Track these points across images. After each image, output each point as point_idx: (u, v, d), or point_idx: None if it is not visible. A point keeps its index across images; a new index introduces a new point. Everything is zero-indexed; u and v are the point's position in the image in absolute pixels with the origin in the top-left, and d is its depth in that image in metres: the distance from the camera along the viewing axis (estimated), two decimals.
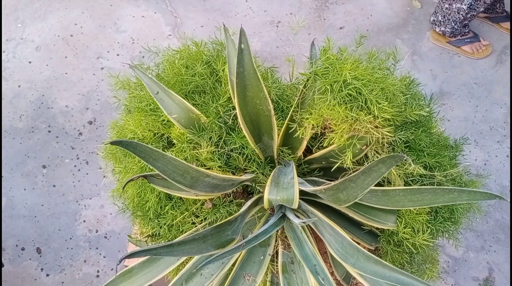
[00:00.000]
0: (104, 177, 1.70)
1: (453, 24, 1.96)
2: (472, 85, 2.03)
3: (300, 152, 0.86)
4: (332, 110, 0.71)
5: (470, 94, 2.01)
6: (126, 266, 0.81)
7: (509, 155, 1.87)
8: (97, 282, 1.63)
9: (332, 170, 0.80)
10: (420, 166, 0.78)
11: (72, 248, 1.68)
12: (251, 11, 2.17)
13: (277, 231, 0.89)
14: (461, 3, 1.86)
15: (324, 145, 0.79)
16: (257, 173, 0.84)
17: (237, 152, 0.83)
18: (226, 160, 0.84)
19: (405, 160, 0.77)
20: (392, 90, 0.71)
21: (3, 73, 1.95)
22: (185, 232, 0.84)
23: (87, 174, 1.79)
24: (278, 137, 0.82)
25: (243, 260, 0.83)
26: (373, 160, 0.69)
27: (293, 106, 0.78)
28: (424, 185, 0.82)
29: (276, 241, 0.89)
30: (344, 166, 0.75)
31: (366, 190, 0.65)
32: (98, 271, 1.65)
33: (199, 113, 0.83)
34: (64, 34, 2.05)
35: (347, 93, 0.70)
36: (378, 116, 0.70)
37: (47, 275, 1.64)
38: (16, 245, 1.68)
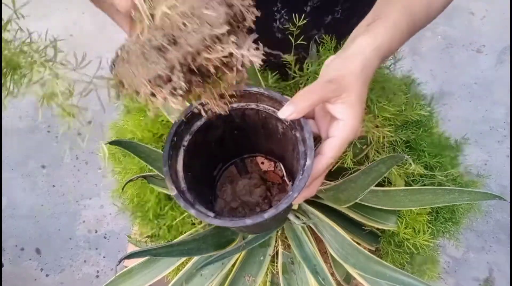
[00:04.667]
0: (104, 177, 1.70)
1: None
2: (472, 85, 2.02)
3: None
4: None
5: (470, 94, 2.00)
6: (126, 267, 0.80)
7: (509, 155, 1.87)
8: (97, 282, 1.63)
9: (332, 170, 0.80)
10: (421, 166, 0.78)
11: (72, 248, 1.67)
12: None
13: (277, 231, 0.89)
14: None
15: None
16: None
17: None
18: None
19: (406, 160, 0.77)
20: (392, 89, 0.71)
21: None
22: (185, 232, 0.84)
23: (86, 174, 1.79)
24: None
25: (243, 261, 0.82)
26: (374, 160, 0.68)
27: None
28: (425, 185, 0.82)
29: (276, 241, 0.89)
30: (345, 166, 0.75)
31: (367, 190, 0.65)
32: (98, 271, 1.65)
33: None
34: (64, 34, 2.05)
35: None
36: (378, 115, 0.70)
37: (47, 275, 1.64)
38: (16, 245, 1.68)
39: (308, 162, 0.42)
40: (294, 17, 0.71)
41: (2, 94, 0.27)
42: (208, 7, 0.27)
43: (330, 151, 0.45)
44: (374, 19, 0.48)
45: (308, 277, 0.80)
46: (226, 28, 0.28)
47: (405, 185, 0.80)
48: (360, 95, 0.44)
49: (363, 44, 0.46)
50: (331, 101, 0.44)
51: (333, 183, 0.70)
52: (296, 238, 0.82)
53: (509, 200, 1.74)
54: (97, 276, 1.64)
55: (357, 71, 0.44)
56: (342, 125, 0.44)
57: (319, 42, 0.77)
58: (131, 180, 0.74)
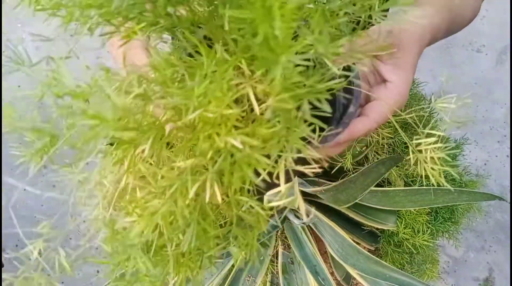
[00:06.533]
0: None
1: None
2: (472, 85, 2.02)
3: None
4: None
5: (470, 94, 2.01)
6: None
7: (509, 155, 1.87)
8: (97, 282, 1.63)
9: (332, 172, 0.80)
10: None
11: (72, 248, 1.68)
12: None
13: (277, 231, 0.89)
14: None
15: None
16: None
17: None
18: None
19: (405, 161, 0.77)
20: None
21: (3, 73, 1.95)
22: None
23: None
24: None
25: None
26: (373, 161, 0.69)
27: None
28: (424, 185, 0.82)
29: (276, 241, 0.89)
30: (344, 168, 0.75)
31: (366, 191, 0.65)
32: (98, 271, 1.65)
33: None
34: (64, 34, 2.05)
35: None
36: None
37: (47, 275, 1.64)
38: (16, 245, 1.68)
39: (351, 109, 0.37)
40: None
41: None
42: None
43: (375, 114, 0.40)
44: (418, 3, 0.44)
45: (308, 277, 0.80)
46: None
47: (405, 186, 0.81)
48: (413, 62, 0.40)
49: (428, 23, 0.42)
50: (383, 59, 0.40)
51: (332, 184, 0.70)
52: (296, 238, 0.82)
53: (508, 201, 1.74)
54: (97, 276, 1.64)
55: (415, 36, 0.40)
56: (391, 87, 0.40)
57: None
58: None
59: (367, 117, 0.40)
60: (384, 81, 0.40)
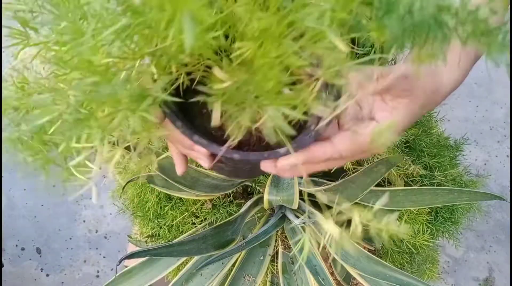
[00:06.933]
0: (104, 177, 1.70)
1: None
2: (472, 85, 2.03)
3: None
4: None
5: (470, 94, 2.01)
6: (126, 266, 0.81)
7: (509, 155, 1.87)
8: (97, 282, 1.63)
9: (332, 171, 0.81)
10: (421, 166, 0.78)
11: (72, 248, 1.68)
12: None
13: (277, 231, 0.89)
14: None
15: None
16: None
17: None
18: None
19: (405, 160, 0.77)
20: None
21: (3, 73, 1.95)
22: (185, 232, 0.84)
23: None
24: None
25: (243, 261, 0.83)
26: (373, 161, 0.69)
27: None
28: (425, 185, 0.82)
29: (276, 241, 0.89)
30: (344, 167, 0.75)
31: (366, 190, 0.65)
32: (98, 271, 1.65)
33: None
34: None
35: None
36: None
37: (47, 275, 1.64)
38: (16, 245, 1.68)
39: (305, 137, 0.34)
40: None
41: None
42: None
43: (342, 146, 0.34)
44: None
45: (308, 277, 0.80)
46: None
47: (405, 186, 0.81)
48: (411, 117, 0.36)
49: (445, 79, 0.38)
50: (386, 99, 0.36)
51: (332, 184, 0.70)
52: (296, 238, 0.82)
53: (509, 201, 1.74)
54: (97, 276, 1.64)
55: (428, 92, 0.36)
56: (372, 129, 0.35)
57: None
58: (131, 180, 0.74)
59: (332, 145, 0.34)
60: (371, 118, 0.36)
